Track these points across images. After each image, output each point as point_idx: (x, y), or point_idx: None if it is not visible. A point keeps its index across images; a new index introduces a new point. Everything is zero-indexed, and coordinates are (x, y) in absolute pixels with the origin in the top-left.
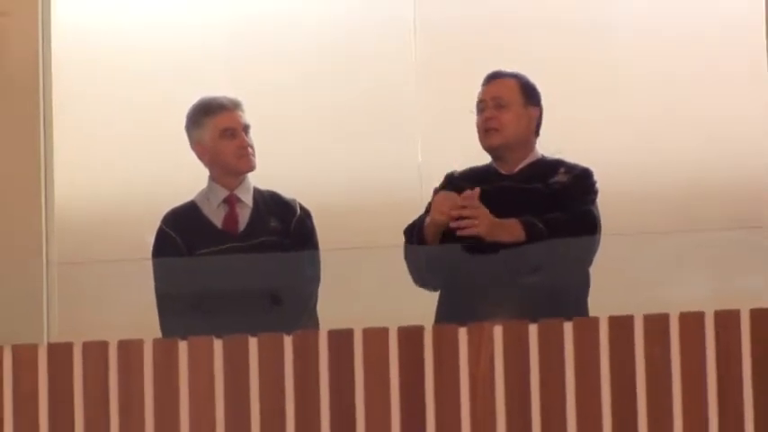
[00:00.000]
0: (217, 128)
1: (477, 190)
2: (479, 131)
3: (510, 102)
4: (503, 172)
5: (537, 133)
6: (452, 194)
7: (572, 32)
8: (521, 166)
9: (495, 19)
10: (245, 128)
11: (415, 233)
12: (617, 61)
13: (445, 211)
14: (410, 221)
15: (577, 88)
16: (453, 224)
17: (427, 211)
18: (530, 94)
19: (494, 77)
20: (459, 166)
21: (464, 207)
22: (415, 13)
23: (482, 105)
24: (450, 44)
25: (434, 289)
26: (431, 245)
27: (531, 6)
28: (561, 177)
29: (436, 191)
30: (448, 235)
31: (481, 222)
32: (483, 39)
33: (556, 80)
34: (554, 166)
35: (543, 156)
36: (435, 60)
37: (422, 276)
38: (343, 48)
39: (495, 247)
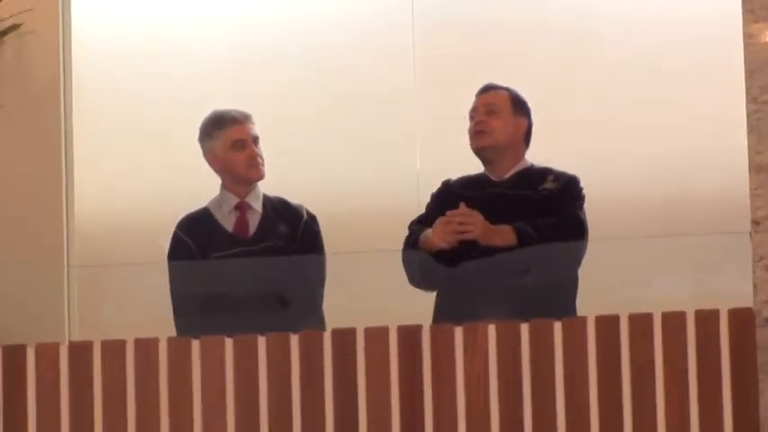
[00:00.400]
0: (228, 139)
1: (462, 204)
2: (470, 135)
3: (500, 109)
4: (494, 179)
5: (527, 144)
6: (452, 219)
7: (563, 44)
8: (511, 173)
9: (493, 29)
10: (255, 139)
11: (411, 243)
12: (605, 71)
13: (448, 239)
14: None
15: (566, 98)
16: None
17: (420, 221)
18: (519, 106)
19: (487, 89)
20: (456, 173)
21: (461, 223)
22: (414, 23)
23: (474, 113)
24: (448, 55)
25: (428, 290)
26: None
27: (527, 17)
28: (550, 184)
29: (433, 196)
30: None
31: (476, 227)
32: (480, 50)
33: (546, 89)
34: (543, 173)
35: (532, 164)
36: (433, 71)
37: (416, 278)
38: (344, 59)
39: (489, 251)
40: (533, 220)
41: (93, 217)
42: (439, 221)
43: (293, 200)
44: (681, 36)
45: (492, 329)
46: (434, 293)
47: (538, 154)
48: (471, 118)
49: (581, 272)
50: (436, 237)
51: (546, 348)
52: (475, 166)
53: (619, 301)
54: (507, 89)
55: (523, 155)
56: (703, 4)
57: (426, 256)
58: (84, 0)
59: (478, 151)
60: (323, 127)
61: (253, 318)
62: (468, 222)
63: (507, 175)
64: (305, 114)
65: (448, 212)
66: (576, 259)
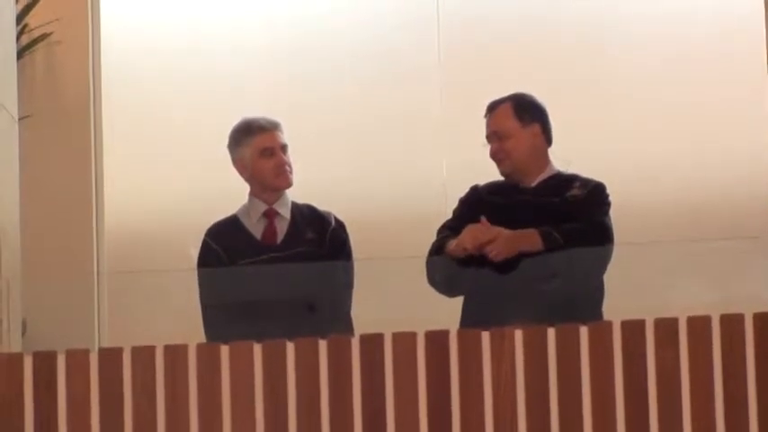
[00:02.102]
0: (257, 147)
1: (485, 221)
2: (494, 161)
3: (508, 129)
4: (521, 186)
5: (549, 141)
6: (476, 229)
7: (583, 47)
8: (538, 180)
9: (516, 37)
10: (283, 147)
11: (436, 248)
12: (628, 76)
13: (469, 248)
14: (435, 230)
15: (588, 103)
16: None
17: (449, 226)
18: (525, 114)
19: (490, 110)
20: (481, 181)
21: (483, 242)
22: (440, 34)
23: (488, 139)
24: (473, 68)
25: (447, 294)
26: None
27: (549, 30)
28: (576, 191)
29: (461, 201)
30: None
31: (500, 247)
32: (503, 63)
33: (568, 94)
34: (570, 180)
35: (559, 171)
36: (459, 84)
37: (436, 281)
38: (374, 72)
39: (515, 257)
40: (559, 226)
41: (122, 225)
42: (465, 232)
43: (322, 207)
44: (701, 39)
45: (519, 334)
46: (460, 299)
47: (561, 158)
48: (489, 143)
49: (607, 276)
50: (461, 246)
51: (572, 353)
52: (498, 175)
53: (645, 306)
54: (510, 99)
55: (547, 156)
56: (727, 10)
57: (450, 262)
58: (113, 9)
59: (505, 176)
60: (352, 135)
61: (281, 324)
62: (491, 241)
63: (535, 183)
64: (334, 123)
65: (470, 226)
66: (603, 265)
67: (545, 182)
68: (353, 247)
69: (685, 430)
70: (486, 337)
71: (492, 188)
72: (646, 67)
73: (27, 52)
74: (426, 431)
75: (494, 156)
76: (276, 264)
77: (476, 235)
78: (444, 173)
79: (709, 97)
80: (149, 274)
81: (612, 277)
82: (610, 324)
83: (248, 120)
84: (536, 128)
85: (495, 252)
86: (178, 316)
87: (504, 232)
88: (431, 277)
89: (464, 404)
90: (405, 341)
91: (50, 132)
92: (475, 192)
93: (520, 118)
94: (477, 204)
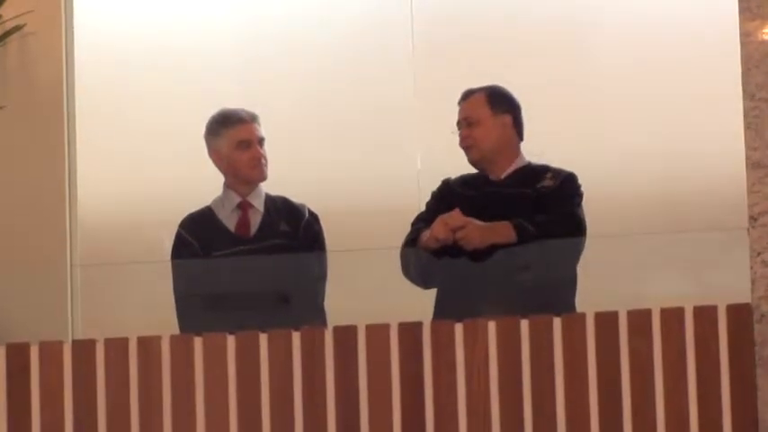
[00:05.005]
0: (234, 139)
1: (457, 210)
2: (462, 149)
3: (478, 118)
4: (492, 178)
5: (520, 135)
6: (447, 217)
7: (559, 42)
8: (509, 171)
9: (490, 29)
10: (260, 140)
11: (410, 240)
12: (602, 69)
13: (441, 239)
14: (410, 223)
15: (563, 96)
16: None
17: (423, 219)
18: (497, 104)
19: (464, 97)
20: (455, 171)
21: (453, 230)
22: (413, 26)
23: (459, 126)
24: (446, 62)
25: (421, 286)
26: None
27: (522, 25)
28: (548, 182)
29: (434, 195)
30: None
31: (472, 234)
32: (478, 50)
33: (543, 87)
34: (541, 171)
35: (530, 162)
36: (432, 77)
37: (410, 273)
38: (348, 66)
39: (488, 248)
40: (532, 217)
41: (96, 216)
42: (436, 222)
43: (296, 199)
44: (677, 34)
45: (492, 326)
46: (433, 290)
47: (534, 150)
48: (459, 131)
49: (580, 268)
50: (433, 236)
51: (546, 344)
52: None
53: (618, 298)
54: (484, 89)
55: (518, 148)
56: (701, 3)
57: (424, 254)
58: (87, 1)
59: (473, 164)
60: (326, 129)
61: (255, 315)
62: (463, 229)
63: (505, 174)
64: (308, 117)
65: (442, 216)
66: (575, 256)
67: (516, 172)
68: (327, 239)
69: (658, 419)
70: (459, 328)
71: (463, 181)
72: (621, 61)
73: (0, 44)
74: (400, 421)
75: (462, 142)
76: (250, 255)
77: (446, 222)
78: (418, 165)
79: (684, 90)
80: (123, 267)
81: (586, 269)
82: (583, 315)
83: (227, 111)
84: (507, 118)
85: (466, 239)
86: (152, 308)
87: (475, 221)
88: (405, 270)
89: (437, 394)
90: (378, 333)
91: (23, 124)
92: (447, 185)
93: (492, 106)
94: (449, 197)
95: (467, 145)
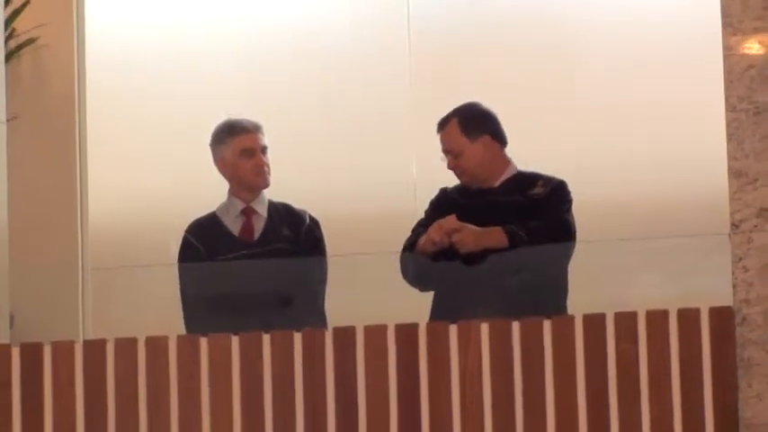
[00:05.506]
0: (238, 147)
1: (453, 215)
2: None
3: (458, 147)
4: (485, 187)
5: (504, 144)
6: (443, 220)
7: (550, 56)
8: (501, 179)
9: (482, 46)
10: (264, 149)
11: (410, 244)
12: (590, 78)
13: (437, 241)
14: (407, 228)
15: (550, 104)
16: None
17: (419, 224)
18: (472, 130)
19: (440, 128)
20: (450, 178)
21: (448, 233)
22: (410, 34)
23: (444, 153)
24: (442, 71)
25: (419, 288)
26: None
27: (515, 33)
28: (539, 189)
29: (432, 203)
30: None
31: (466, 238)
32: (471, 65)
33: (531, 96)
34: (532, 179)
35: (520, 171)
36: (428, 86)
37: (409, 276)
38: (347, 75)
39: (482, 252)
40: (524, 223)
41: (106, 222)
42: (433, 226)
43: (297, 205)
44: (663, 45)
45: (485, 327)
46: (430, 293)
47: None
48: (445, 157)
49: (570, 272)
50: (429, 239)
51: (536, 345)
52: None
53: (605, 301)
54: (456, 115)
55: (505, 157)
56: (686, 18)
57: (422, 258)
58: (98, 14)
59: (466, 185)
60: (326, 137)
61: (258, 317)
62: (458, 231)
63: (498, 183)
64: (309, 126)
65: (438, 221)
66: (565, 260)
67: (509, 181)
68: (327, 243)
69: (644, 418)
70: (453, 329)
71: (460, 190)
72: (606, 69)
73: (14, 56)
74: (396, 419)
75: (451, 170)
76: (253, 259)
77: (441, 224)
78: (414, 172)
79: (667, 96)
80: (132, 270)
81: (575, 273)
82: (572, 318)
83: (231, 120)
84: (486, 139)
85: (461, 242)
86: (159, 309)
87: (469, 225)
88: (404, 273)
89: (432, 393)
90: (376, 334)
91: (37, 133)
92: (444, 193)
93: (467, 134)
94: (446, 205)
95: (456, 173)
